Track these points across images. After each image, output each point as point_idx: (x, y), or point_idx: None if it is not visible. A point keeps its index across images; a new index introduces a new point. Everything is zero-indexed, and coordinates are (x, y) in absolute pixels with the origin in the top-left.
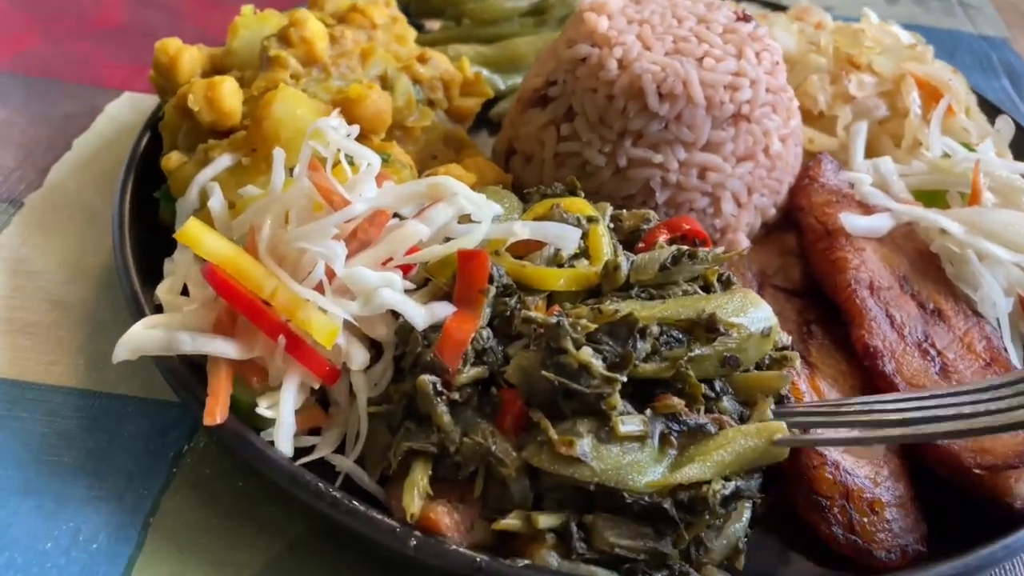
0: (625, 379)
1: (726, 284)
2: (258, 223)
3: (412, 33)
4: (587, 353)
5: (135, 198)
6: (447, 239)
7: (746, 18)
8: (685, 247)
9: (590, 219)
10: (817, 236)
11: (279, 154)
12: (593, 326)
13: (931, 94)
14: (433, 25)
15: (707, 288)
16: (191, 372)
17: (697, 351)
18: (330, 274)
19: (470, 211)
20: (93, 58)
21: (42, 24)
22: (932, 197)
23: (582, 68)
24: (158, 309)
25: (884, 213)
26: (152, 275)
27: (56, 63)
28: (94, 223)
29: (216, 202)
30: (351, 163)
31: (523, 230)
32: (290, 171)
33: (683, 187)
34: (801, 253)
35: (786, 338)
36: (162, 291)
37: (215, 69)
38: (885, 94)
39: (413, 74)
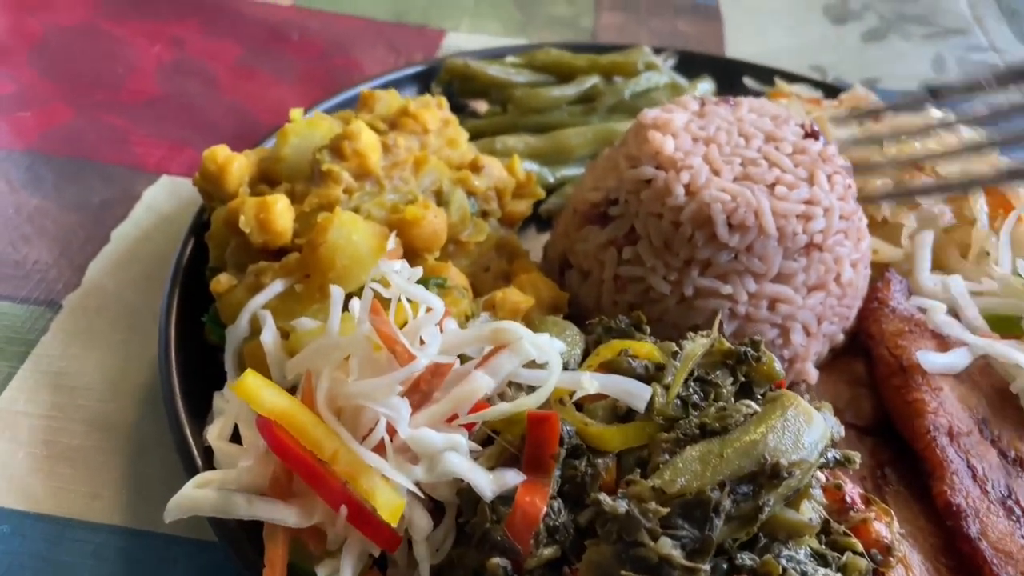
0: (709, 567)
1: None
2: (316, 369)
3: (464, 136)
4: (666, 545)
5: (181, 312)
6: (509, 383)
7: (814, 134)
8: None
9: (658, 367)
10: (891, 371)
11: (337, 294)
12: (665, 510)
13: (999, 201)
14: (478, 105)
15: (748, 386)
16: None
17: (765, 503)
18: (391, 430)
19: (535, 356)
20: (127, 134)
21: (73, 95)
22: (1006, 323)
23: (646, 191)
24: (208, 450)
25: (961, 348)
26: (199, 399)
27: (88, 140)
28: (136, 328)
29: (268, 336)
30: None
31: (592, 384)
32: (347, 300)
33: (752, 318)
34: (871, 384)
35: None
36: (212, 436)
37: (263, 177)
38: (951, 200)
39: (467, 186)
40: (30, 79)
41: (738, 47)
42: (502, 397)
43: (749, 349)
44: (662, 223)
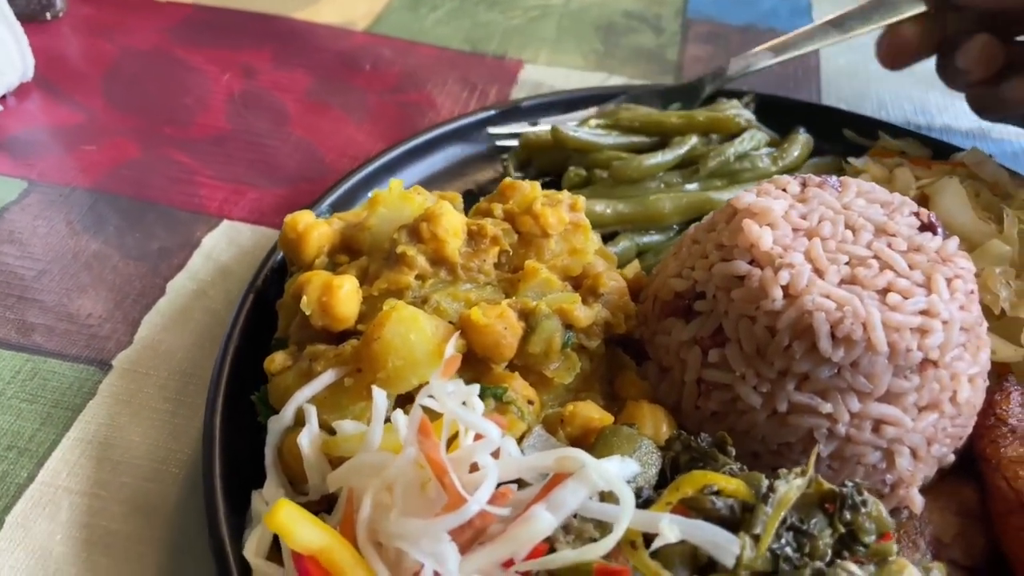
0: None
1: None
2: (358, 489)
3: (594, 244)
4: None
5: (230, 387)
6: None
7: (932, 227)
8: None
9: (746, 507)
10: (1009, 507)
11: (380, 400)
12: None
13: None
14: None
15: (854, 536)
16: None
17: None
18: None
19: (603, 488)
20: (193, 174)
21: (141, 128)
22: None
23: (739, 290)
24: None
25: None
26: (246, 489)
27: (153, 179)
28: (184, 396)
29: (307, 438)
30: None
31: (672, 530)
32: (400, 402)
33: (853, 440)
34: (983, 515)
35: None
36: (250, 553)
37: (345, 245)
38: None
39: (568, 318)
40: (100, 109)
41: (838, 90)
42: (566, 530)
43: (853, 492)
44: (755, 327)
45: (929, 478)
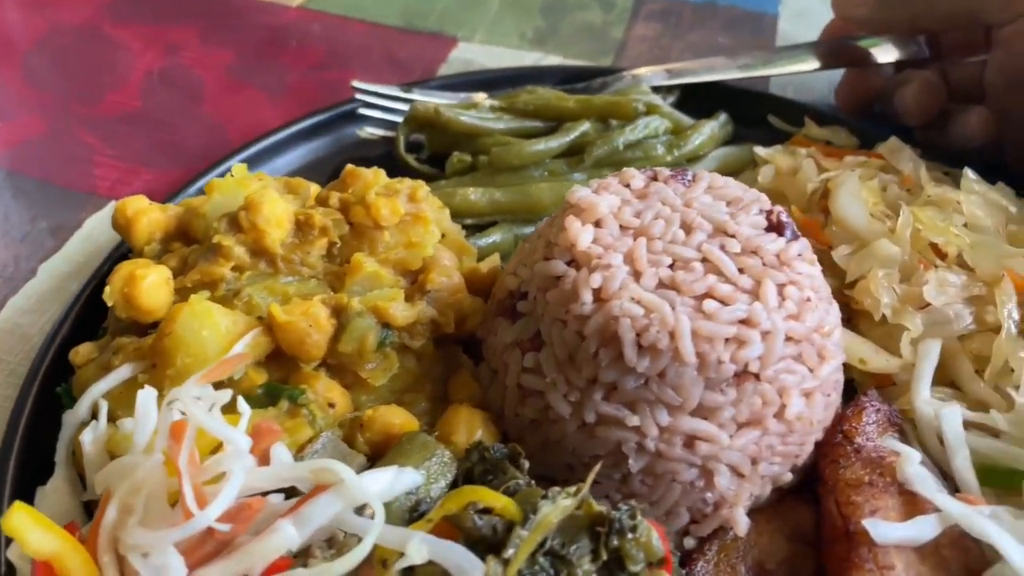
0: None
1: None
2: (113, 492)
3: (435, 236)
4: None
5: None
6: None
7: (779, 227)
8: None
9: (510, 526)
10: (835, 534)
11: (143, 399)
12: None
13: None
14: None
15: (620, 563)
16: None
17: None
18: None
19: (362, 502)
20: (93, 153)
21: (52, 107)
22: (1005, 477)
23: (553, 291)
24: None
25: (931, 515)
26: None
27: (54, 159)
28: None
29: (89, 435)
30: None
31: (420, 551)
32: None
33: (664, 456)
34: (818, 540)
35: None
36: (13, 554)
37: (180, 232)
38: (973, 299)
39: (384, 317)
40: (18, 85)
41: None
42: (330, 544)
43: (624, 516)
44: (566, 332)
45: (762, 497)
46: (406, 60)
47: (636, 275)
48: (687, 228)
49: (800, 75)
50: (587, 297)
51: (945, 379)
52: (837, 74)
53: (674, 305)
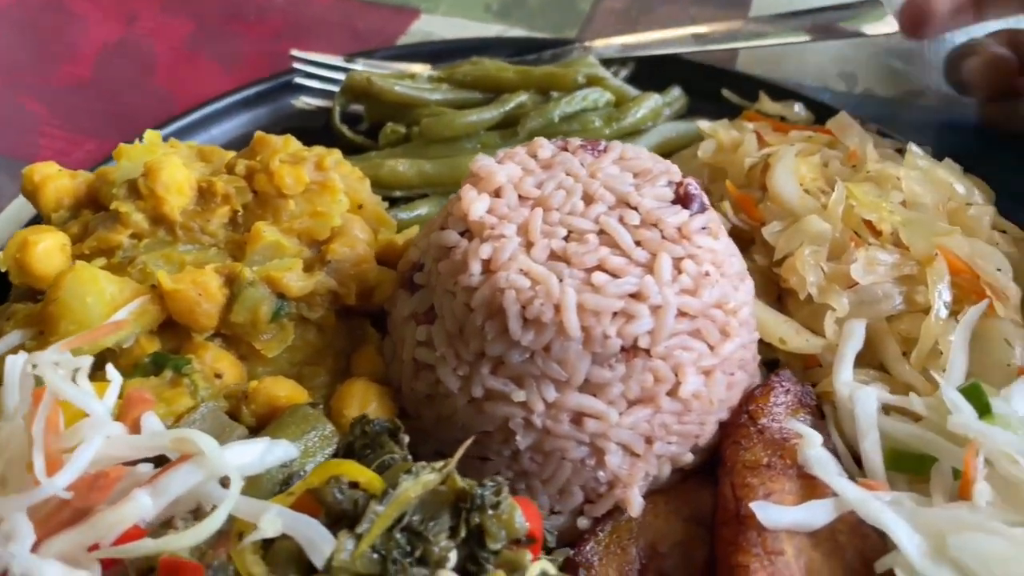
0: None
1: None
2: None
3: (340, 208)
4: None
5: None
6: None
7: (685, 200)
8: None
9: (371, 497)
10: (726, 516)
11: (11, 364)
12: None
13: (971, 286)
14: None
15: (481, 541)
16: None
17: None
18: None
19: (223, 475)
20: (40, 124)
21: (2, 75)
22: (915, 462)
23: (445, 262)
24: None
25: (826, 500)
26: None
27: (1, 130)
28: None
29: None
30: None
31: (274, 523)
32: None
33: (552, 432)
34: (713, 525)
35: None
36: None
37: (91, 199)
38: (904, 279)
39: (278, 286)
40: None
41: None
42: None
43: (487, 493)
44: (455, 304)
45: (661, 478)
46: (365, 32)
47: (528, 246)
48: (588, 199)
49: (768, 48)
50: (475, 268)
51: (874, 361)
52: (805, 49)
53: (562, 277)
